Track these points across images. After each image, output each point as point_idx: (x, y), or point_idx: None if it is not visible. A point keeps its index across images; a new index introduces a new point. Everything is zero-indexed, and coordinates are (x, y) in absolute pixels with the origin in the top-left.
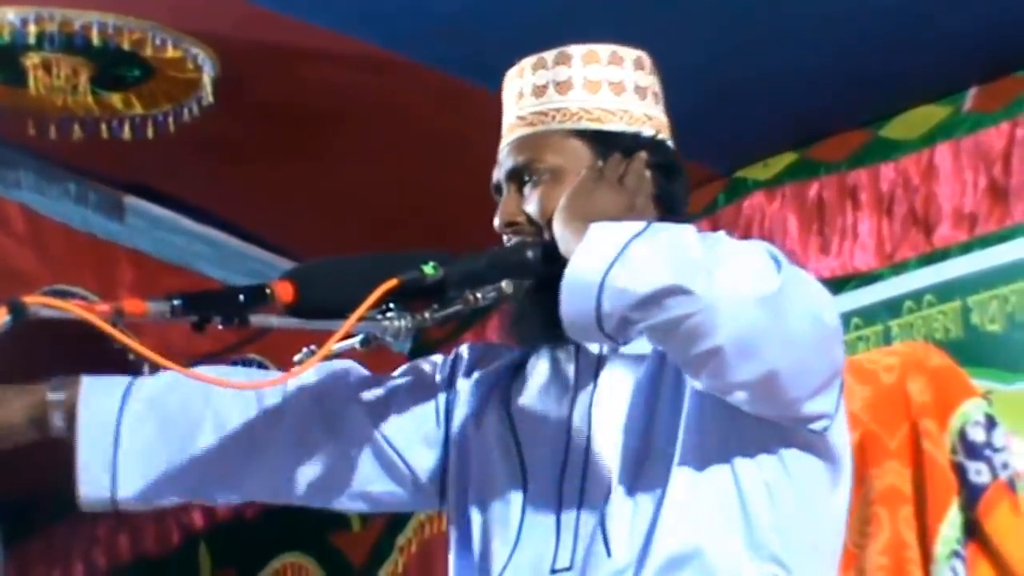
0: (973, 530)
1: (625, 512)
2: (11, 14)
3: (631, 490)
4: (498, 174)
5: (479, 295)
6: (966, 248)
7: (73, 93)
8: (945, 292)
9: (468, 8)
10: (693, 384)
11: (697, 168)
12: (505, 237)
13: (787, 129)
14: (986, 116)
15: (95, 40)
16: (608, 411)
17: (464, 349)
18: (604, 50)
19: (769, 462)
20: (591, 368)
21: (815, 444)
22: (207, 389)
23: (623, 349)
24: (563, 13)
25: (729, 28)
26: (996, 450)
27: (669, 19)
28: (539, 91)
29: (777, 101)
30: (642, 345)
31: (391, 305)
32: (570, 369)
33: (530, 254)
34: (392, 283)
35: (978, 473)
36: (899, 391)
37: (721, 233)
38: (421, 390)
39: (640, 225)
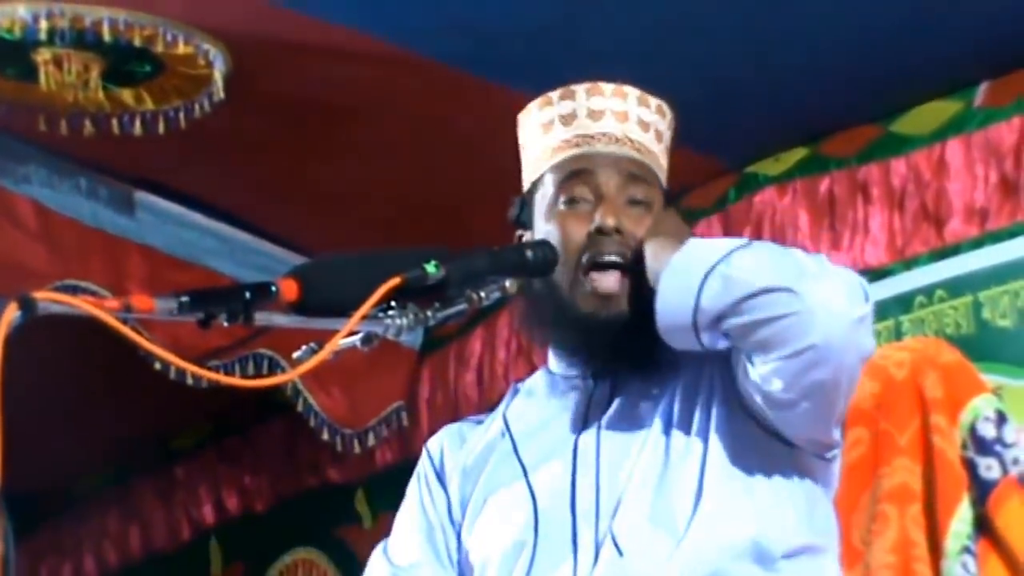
0: (984, 525)
1: (643, 531)
2: (22, 10)
3: (650, 509)
4: (601, 176)
5: (482, 294)
6: (977, 243)
7: (84, 89)
8: (956, 287)
9: (480, 4)
10: (770, 388)
11: (708, 162)
12: (600, 233)
13: (798, 124)
14: (997, 111)
15: (106, 36)
16: (622, 430)
17: (432, 445)
18: (668, 110)
19: (786, 489)
20: (605, 396)
21: (822, 474)
22: None
23: (638, 382)
24: (576, 10)
25: (740, 23)
26: (1007, 446)
27: (679, 14)
28: (644, 127)
29: (788, 96)
30: (655, 378)
31: (392, 303)
32: (581, 395)
33: (530, 254)
34: (395, 281)
35: (988, 469)
36: (910, 387)
37: (821, 254)
38: (437, 531)
39: (743, 240)
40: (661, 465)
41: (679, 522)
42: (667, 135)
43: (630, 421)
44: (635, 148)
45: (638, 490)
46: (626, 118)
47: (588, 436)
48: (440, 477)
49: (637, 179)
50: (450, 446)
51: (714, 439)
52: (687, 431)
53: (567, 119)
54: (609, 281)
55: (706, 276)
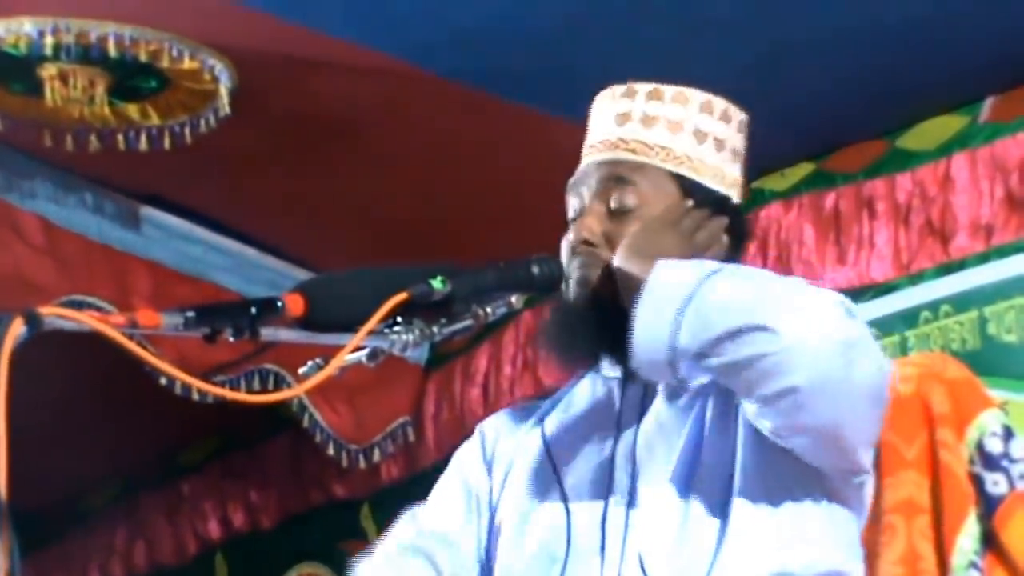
0: (990, 541)
1: (669, 555)
2: (28, 25)
3: (677, 532)
4: (584, 185)
5: (488, 309)
6: (983, 258)
7: (90, 104)
8: (962, 302)
9: (484, 19)
10: (761, 425)
11: None
12: (573, 252)
13: (804, 140)
14: (1003, 126)
15: (112, 51)
16: (654, 443)
17: (487, 427)
18: (718, 104)
19: (812, 511)
20: (638, 399)
21: (849, 498)
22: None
23: (668, 388)
24: (579, 24)
25: (745, 39)
26: (1013, 461)
27: (685, 30)
28: (648, 121)
29: (794, 112)
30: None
31: (398, 318)
32: (615, 399)
33: (536, 270)
34: (401, 297)
35: (995, 484)
36: (917, 402)
37: (796, 278)
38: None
39: (714, 264)
40: (687, 484)
41: (705, 548)
42: (732, 141)
43: (662, 433)
44: (629, 149)
45: (664, 510)
46: (680, 128)
47: (622, 447)
48: (489, 463)
49: (626, 185)
50: (505, 432)
51: (741, 457)
52: (716, 446)
53: (591, 128)
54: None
55: (680, 313)
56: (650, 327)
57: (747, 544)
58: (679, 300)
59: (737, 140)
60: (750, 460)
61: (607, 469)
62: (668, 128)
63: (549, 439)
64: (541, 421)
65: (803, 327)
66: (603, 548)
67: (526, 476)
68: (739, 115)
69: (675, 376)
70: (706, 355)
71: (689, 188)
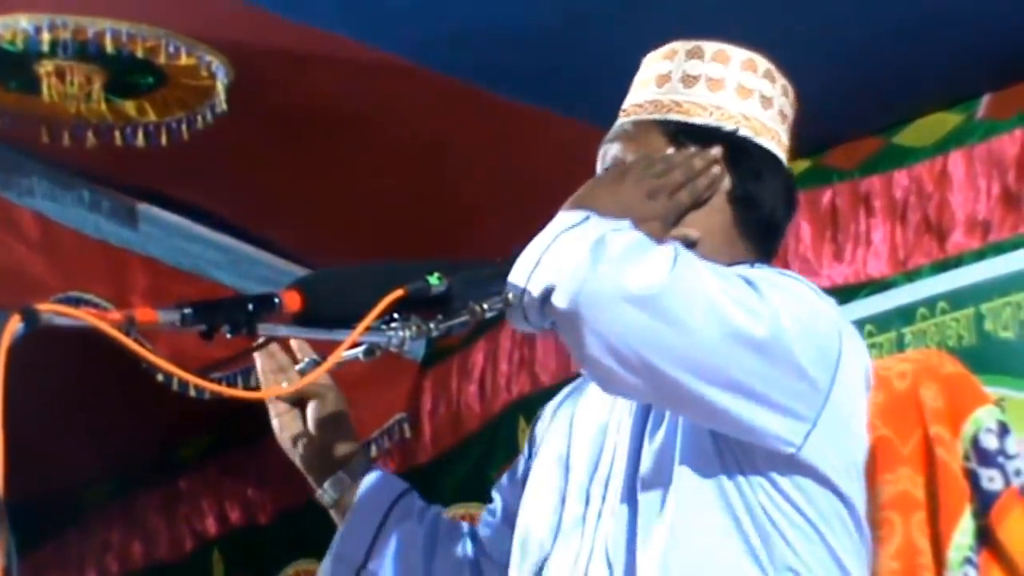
0: (986, 537)
1: (619, 529)
2: (24, 21)
3: (627, 508)
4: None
5: (485, 306)
6: (979, 255)
7: (86, 100)
8: (958, 299)
9: (480, 15)
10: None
11: None
12: None
13: (800, 136)
14: (999, 123)
15: (108, 48)
16: (624, 417)
17: (549, 404)
18: (710, 48)
19: (758, 484)
20: None
21: (805, 467)
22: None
23: None
24: (574, 20)
25: (740, 35)
26: (1009, 457)
27: (679, 26)
28: (643, 83)
29: None
30: None
31: (395, 315)
32: None
33: None
34: (398, 293)
35: (991, 480)
36: (912, 398)
37: (632, 235)
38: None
39: (576, 217)
40: (635, 471)
41: (652, 554)
42: (734, 78)
43: (633, 418)
44: (626, 114)
45: (621, 504)
46: (668, 79)
47: (615, 420)
48: (532, 440)
49: (614, 151)
50: (556, 408)
51: (682, 438)
52: (658, 430)
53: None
54: None
55: (535, 264)
56: (515, 273)
57: (670, 535)
58: (538, 252)
59: (744, 77)
60: (682, 438)
61: (599, 444)
62: (656, 83)
63: (575, 415)
64: (579, 396)
65: (588, 292)
66: (584, 521)
67: (548, 452)
68: (742, 55)
69: (529, 324)
70: (545, 318)
71: (675, 131)
